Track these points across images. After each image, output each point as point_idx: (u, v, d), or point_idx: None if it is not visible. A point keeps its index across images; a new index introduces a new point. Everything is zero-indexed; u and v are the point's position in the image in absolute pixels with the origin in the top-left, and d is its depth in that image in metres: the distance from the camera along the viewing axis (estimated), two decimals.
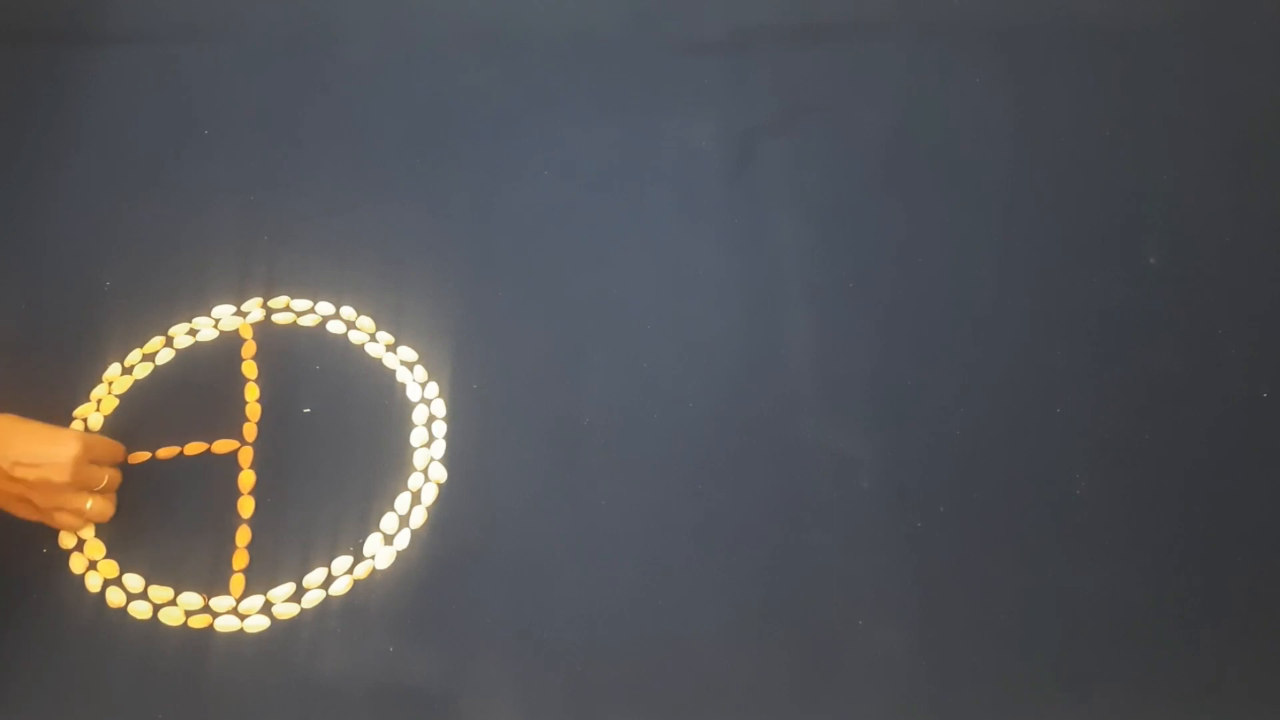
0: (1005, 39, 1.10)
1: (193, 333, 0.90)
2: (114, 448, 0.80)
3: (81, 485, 0.76)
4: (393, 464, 0.85)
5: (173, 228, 0.95)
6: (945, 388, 0.91)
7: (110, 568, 0.80)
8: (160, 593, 0.79)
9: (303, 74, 1.05)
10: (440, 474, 0.85)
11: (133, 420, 0.86)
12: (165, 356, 0.89)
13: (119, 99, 1.02)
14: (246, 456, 0.84)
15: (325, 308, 0.92)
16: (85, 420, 0.85)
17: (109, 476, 0.79)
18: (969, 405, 0.90)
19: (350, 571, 0.81)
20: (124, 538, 0.81)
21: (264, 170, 0.99)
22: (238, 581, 0.80)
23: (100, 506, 0.78)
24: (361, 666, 0.77)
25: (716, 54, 1.08)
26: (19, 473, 0.72)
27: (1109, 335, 0.93)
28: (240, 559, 0.81)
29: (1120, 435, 0.89)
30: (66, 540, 0.80)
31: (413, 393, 0.88)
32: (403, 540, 0.82)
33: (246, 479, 0.83)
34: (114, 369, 0.88)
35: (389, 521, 0.83)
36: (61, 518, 0.77)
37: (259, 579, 0.80)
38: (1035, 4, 1.13)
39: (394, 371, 0.89)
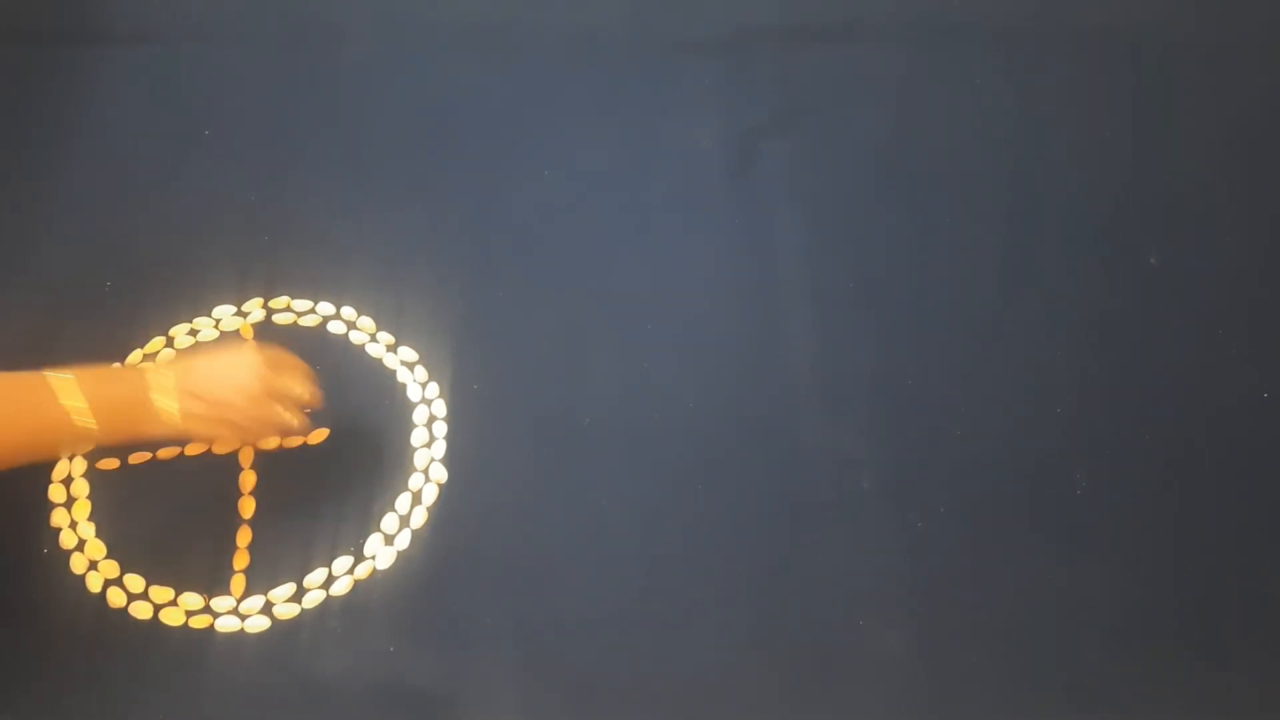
0: (1005, 39, 1.10)
1: (193, 333, 0.90)
2: (286, 356, 0.79)
3: (271, 390, 0.75)
4: (393, 464, 0.85)
5: (173, 228, 0.95)
6: (945, 388, 0.91)
7: (111, 568, 0.80)
8: (161, 593, 0.79)
9: (303, 74, 1.05)
10: (441, 474, 0.85)
11: None
12: (166, 357, 0.89)
13: (119, 99, 1.02)
14: (247, 456, 0.84)
15: (326, 308, 0.91)
16: None
17: (311, 392, 0.78)
18: (969, 405, 0.90)
19: (351, 571, 0.81)
20: (125, 538, 0.81)
21: (264, 170, 0.99)
22: (238, 582, 0.80)
23: (301, 420, 0.78)
24: (362, 666, 0.77)
25: (716, 54, 1.08)
26: (211, 388, 0.72)
27: (1109, 335, 0.93)
28: (241, 559, 0.81)
29: (1120, 435, 0.89)
30: (67, 540, 0.80)
31: (413, 393, 0.88)
32: (403, 540, 0.82)
33: (247, 479, 0.83)
34: None
35: (389, 521, 0.83)
36: (264, 431, 0.77)
37: (259, 579, 0.80)
38: (1035, 4, 1.13)
39: (394, 372, 0.89)
